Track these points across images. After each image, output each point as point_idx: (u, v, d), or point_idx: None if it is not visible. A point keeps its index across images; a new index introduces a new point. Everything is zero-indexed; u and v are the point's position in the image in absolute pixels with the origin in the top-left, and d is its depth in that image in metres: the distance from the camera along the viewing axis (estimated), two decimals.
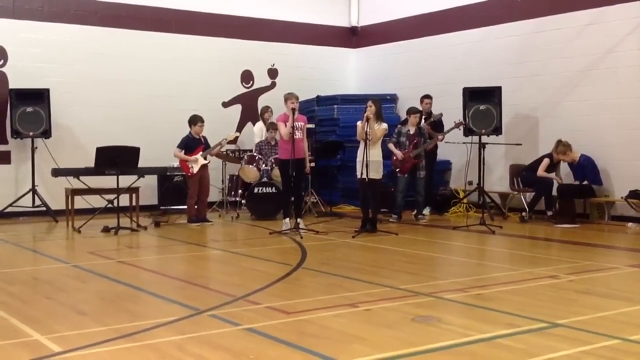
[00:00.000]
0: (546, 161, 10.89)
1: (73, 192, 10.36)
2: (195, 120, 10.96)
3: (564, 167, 11.03)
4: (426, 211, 11.85)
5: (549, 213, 10.80)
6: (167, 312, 5.29)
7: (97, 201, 10.57)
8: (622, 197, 10.37)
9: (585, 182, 10.56)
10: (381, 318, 5.14)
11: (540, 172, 10.89)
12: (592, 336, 4.59)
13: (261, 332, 4.72)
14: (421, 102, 11.91)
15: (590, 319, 5.05)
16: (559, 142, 10.75)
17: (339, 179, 13.22)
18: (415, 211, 11.40)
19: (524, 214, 11.03)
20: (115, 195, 9.94)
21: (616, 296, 5.92)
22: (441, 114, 11.61)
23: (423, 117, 11.66)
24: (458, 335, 4.64)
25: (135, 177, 10.18)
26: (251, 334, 4.71)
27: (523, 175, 11.39)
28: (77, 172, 10.07)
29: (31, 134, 11.21)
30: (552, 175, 10.91)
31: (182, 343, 4.49)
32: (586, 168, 10.57)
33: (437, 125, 11.77)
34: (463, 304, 5.58)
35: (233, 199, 12.15)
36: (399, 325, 4.91)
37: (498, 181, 12.18)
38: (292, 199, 9.97)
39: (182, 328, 4.85)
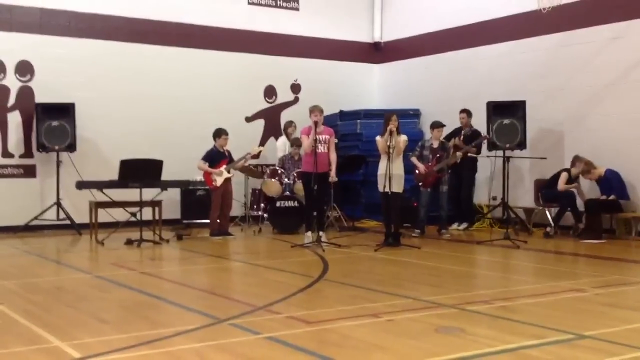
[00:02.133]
0: (564, 175, 10.80)
1: (97, 205, 10.42)
2: (219, 133, 11.00)
3: (589, 182, 10.87)
4: (462, 226, 11.76)
5: (580, 225, 10.58)
6: (188, 320, 5.27)
7: (120, 215, 10.62)
8: None
9: (612, 197, 10.38)
10: (403, 328, 5.06)
11: (561, 186, 10.78)
12: (620, 347, 4.47)
13: (281, 340, 4.67)
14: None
15: (618, 331, 4.92)
16: (576, 157, 10.71)
17: (362, 193, 13.19)
18: (438, 226, 11.31)
19: (548, 229, 10.88)
20: (139, 209, 9.98)
21: None
22: (487, 137, 11.20)
23: (462, 132, 11.84)
24: (482, 345, 4.55)
25: (159, 190, 10.22)
26: (271, 342, 4.66)
27: (543, 193, 11.23)
28: (100, 185, 10.12)
29: (56, 147, 11.32)
30: (574, 185, 10.78)
31: (202, 350, 4.45)
32: (612, 182, 10.41)
33: (469, 141, 11.67)
34: (487, 315, 5.48)
35: (255, 213, 12.14)
36: (421, 336, 4.82)
37: (523, 196, 12.02)
38: (315, 212, 9.91)
39: (202, 336, 4.82)
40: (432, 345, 4.57)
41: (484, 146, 11.55)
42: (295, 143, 11.73)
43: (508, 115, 11.23)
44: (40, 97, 11.61)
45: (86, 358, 4.29)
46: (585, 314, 5.57)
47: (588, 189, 11.00)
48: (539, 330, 4.94)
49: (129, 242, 9.82)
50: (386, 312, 5.51)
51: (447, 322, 5.20)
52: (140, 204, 9.93)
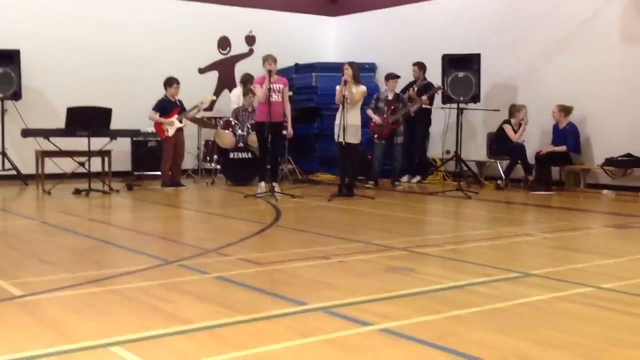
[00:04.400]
0: (508, 127, 10.96)
1: (43, 154, 10.13)
2: (170, 82, 10.77)
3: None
4: (415, 179, 11.80)
5: (530, 178, 10.69)
6: (136, 262, 5.18)
7: (68, 165, 10.36)
8: (598, 165, 10.37)
9: (562, 148, 10.47)
10: (354, 268, 5.06)
11: (515, 136, 10.89)
12: (566, 284, 4.54)
13: (230, 279, 4.62)
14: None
15: (565, 270, 5.01)
16: (513, 106, 11.01)
17: (317, 147, 13.11)
18: (392, 179, 11.33)
19: (499, 181, 11.01)
20: (87, 158, 9.73)
21: (591, 251, 5.91)
22: (440, 87, 11.22)
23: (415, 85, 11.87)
24: (431, 283, 4.57)
25: (108, 140, 9.97)
26: (220, 281, 4.61)
27: (493, 148, 11.35)
28: (47, 133, 9.82)
29: (1, 95, 10.93)
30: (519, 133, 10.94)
31: (148, 288, 4.37)
32: (568, 134, 10.52)
33: (422, 93, 11.65)
34: (437, 257, 5.52)
35: (209, 165, 11.98)
36: (372, 275, 4.84)
37: (475, 149, 12.10)
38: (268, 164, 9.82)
39: (150, 275, 4.74)
40: (381, 283, 4.58)
41: (438, 98, 11.55)
42: (250, 92, 11.53)
43: (463, 68, 11.22)
44: None
45: (28, 295, 4.17)
46: (533, 255, 5.67)
47: (539, 138, 11.14)
48: (487, 269, 5.00)
49: (77, 191, 9.58)
50: (337, 255, 5.50)
51: (398, 263, 5.22)
52: (89, 153, 9.68)
